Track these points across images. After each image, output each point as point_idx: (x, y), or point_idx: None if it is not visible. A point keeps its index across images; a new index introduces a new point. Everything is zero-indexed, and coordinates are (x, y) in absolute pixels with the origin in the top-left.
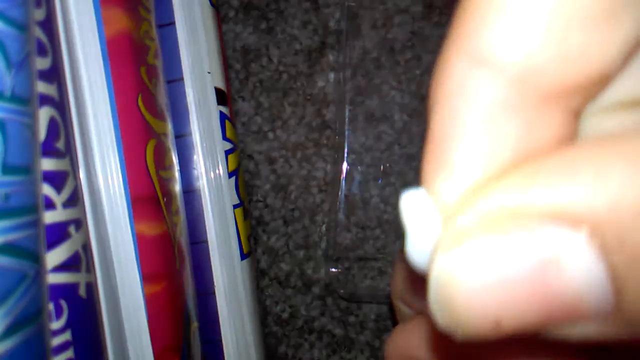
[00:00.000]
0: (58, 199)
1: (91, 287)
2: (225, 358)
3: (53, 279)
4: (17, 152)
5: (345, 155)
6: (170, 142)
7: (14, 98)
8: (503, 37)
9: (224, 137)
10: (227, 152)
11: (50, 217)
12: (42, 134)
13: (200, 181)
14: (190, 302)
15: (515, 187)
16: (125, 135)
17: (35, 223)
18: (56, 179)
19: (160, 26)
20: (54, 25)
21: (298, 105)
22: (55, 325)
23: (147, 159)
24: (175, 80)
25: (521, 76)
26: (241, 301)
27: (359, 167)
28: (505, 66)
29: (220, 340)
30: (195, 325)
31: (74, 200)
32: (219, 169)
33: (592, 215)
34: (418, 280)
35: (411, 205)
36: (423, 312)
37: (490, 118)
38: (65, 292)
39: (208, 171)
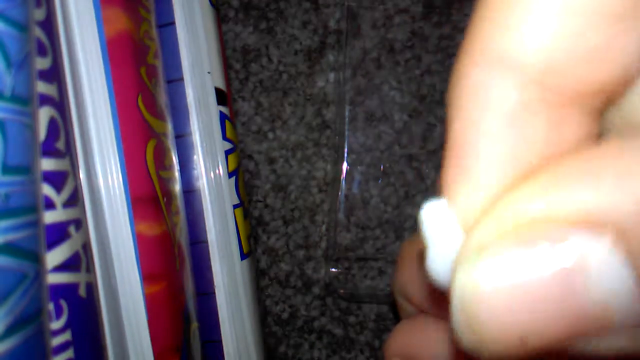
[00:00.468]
0: (58, 199)
1: (91, 287)
2: (225, 358)
3: (53, 279)
4: (17, 152)
5: (345, 155)
6: (170, 142)
7: (14, 98)
8: (523, 38)
9: (224, 137)
10: (227, 152)
11: (50, 217)
12: (42, 134)
13: (200, 181)
14: (190, 302)
15: (535, 196)
16: (125, 135)
17: (35, 223)
18: (56, 179)
19: (160, 26)
20: (54, 25)
21: (298, 105)
22: (55, 325)
23: (147, 159)
24: (175, 80)
25: (542, 78)
26: (241, 301)
27: (359, 167)
28: (526, 68)
29: (220, 340)
30: (195, 325)
31: (74, 200)
32: (219, 169)
33: (616, 219)
34: (433, 287)
35: (432, 217)
36: (424, 309)
37: (512, 122)
38: (65, 292)
39: (208, 171)
